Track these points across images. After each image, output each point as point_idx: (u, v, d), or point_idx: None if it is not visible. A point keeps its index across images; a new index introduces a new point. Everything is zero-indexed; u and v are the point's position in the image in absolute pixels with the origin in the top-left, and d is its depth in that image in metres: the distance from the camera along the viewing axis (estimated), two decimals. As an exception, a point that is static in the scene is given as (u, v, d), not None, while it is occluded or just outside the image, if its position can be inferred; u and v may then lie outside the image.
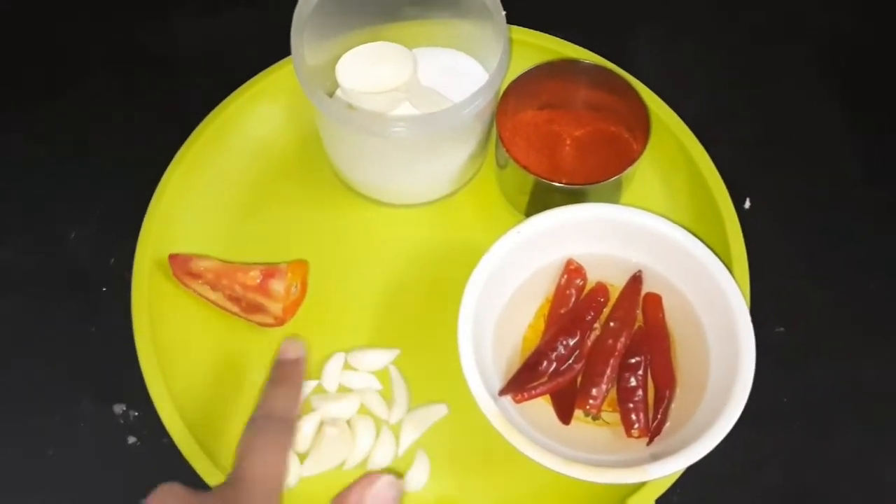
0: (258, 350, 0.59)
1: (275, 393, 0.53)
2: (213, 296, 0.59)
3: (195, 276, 0.59)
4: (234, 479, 0.47)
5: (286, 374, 0.54)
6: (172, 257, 0.60)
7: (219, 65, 0.70)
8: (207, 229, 0.64)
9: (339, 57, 0.62)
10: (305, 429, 0.56)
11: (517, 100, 0.63)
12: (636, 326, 0.58)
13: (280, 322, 0.59)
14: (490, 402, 0.51)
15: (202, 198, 0.64)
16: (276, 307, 0.59)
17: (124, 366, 0.58)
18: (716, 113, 0.69)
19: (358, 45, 0.62)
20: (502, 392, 0.54)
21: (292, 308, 0.60)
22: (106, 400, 0.59)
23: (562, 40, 0.69)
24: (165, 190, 0.63)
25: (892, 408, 0.60)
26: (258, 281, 0.58)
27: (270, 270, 0.58)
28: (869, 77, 0.73)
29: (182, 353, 0.59)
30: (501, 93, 0.61)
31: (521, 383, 0.55)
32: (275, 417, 0.51)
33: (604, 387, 0.56)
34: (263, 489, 0.47)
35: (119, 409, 0.59)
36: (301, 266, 0.61)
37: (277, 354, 0.56)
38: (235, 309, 0.59)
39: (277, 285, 0.58)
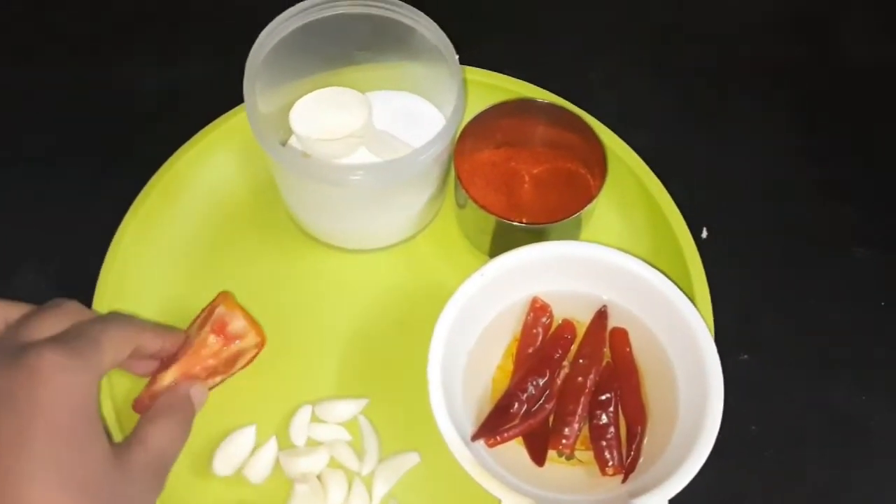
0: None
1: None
2: None
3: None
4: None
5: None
6: (138, 405, 0.55)
7: (176, 114, 0.68)
8: (164, 282, 0.62)
9: (292, 103, 0.61)
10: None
11: (474, 140, 0.63)
12: (604, 362, 0.58)
13: (263, 342, 0.58)
14: (463, 447, 0.51)
15: (158, 250, 0.63)
16: (250, 338, 0.57)
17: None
18: (669, 146, 0.69)
19: (311, 91, 0.61)
20: (475, 437, 0.53)
21: (256, 324, 0.58)
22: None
23: (516, 79, 0.69)
24: (120, 244, 0.62)
25: (859, 430, 0.60)
26: (220, 342, 0.57)
27: (216, 323, 0.57)
28: (819, 104, 0.75)
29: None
30: (458, 134, 0.61)
31: (493, 427, 0.54)
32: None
33: (576, 426, 0.55)
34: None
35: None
36: (224, 294, 0.59)
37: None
38: (218, 379, 0.57)
39: (235, 324, 0.57)
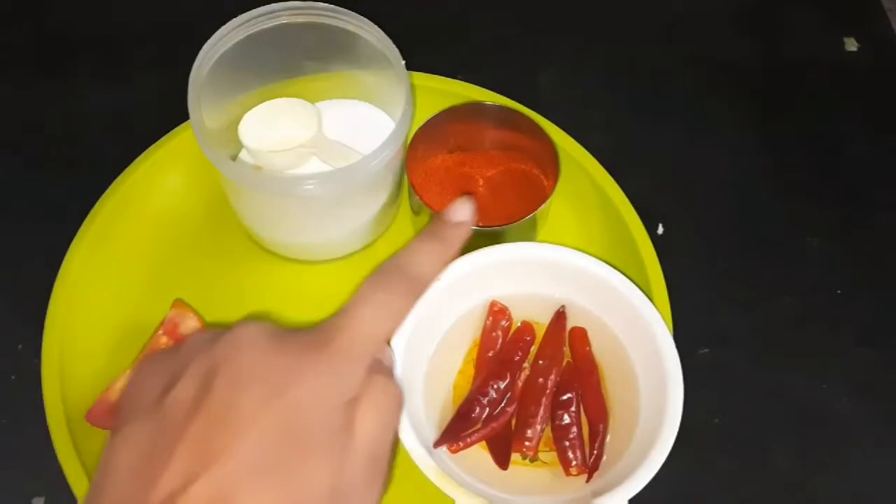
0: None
1: (419, 247, 0.45)
2: None
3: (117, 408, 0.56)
4: (331, 326, 0.40)
5: (442, 234, 0.47)
6: (91, 415, 0.55)
7: (126, 132, 0.67)
8: (118, 300, 0.61)
9: (241, 117, 0.61)
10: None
11: (426, 145, 0.63)
12: (565, 362, 0.58)
13: None
14: (425, 455, 0.50)
15: (111, 268, 0.62)
16: None
17: (43, 455, 0.55)
18: (623, 144, 0.70)
19: (260, 103, 0.61)
20: (437, 443, 0.53)
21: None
22: (25, 493, 0.56)
23: (466, 83, 0.69)
24: (72, 263, 0.61)
25: (820, 418, 0.61)
26: (171, 343, 0.56)
27: (168, 324, 0.56)
28: (769, 98, 0.75)
29: (103, 438, 0.56)
30: (410, 139, 0.61)
31: (455, 433, 0.54)
32: (408, 273, 0.44)
33: (538, 427, 0.55)
34: (361, 349, 0.40)
35: (38, 502, 0.56)
36: (178, 301, 0.59)
37: (444, 213, 0.49)
38: None
39: (187, 324, 0.56)
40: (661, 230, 0.66)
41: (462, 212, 0.49)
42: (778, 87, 0.76)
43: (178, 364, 0.39)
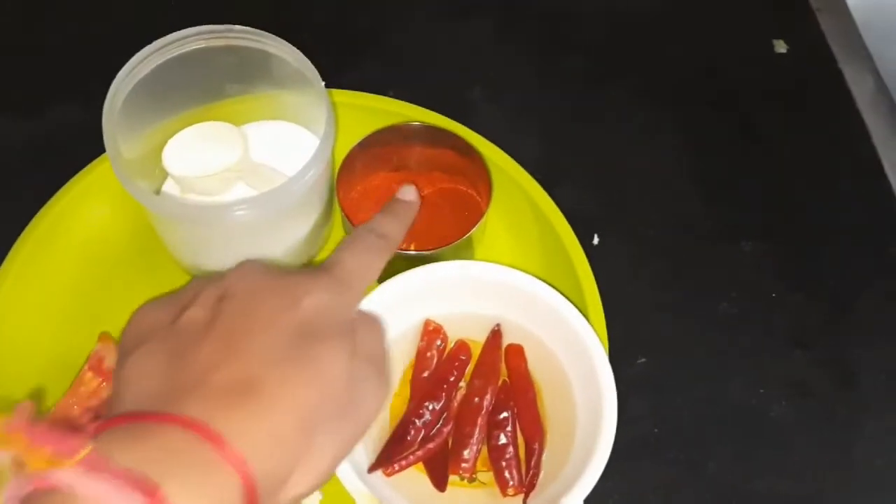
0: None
1: (382, 217, 0.52)
2: None
3: None
4: (328, 266, 0.45)
5: (397, 210, 0.53)
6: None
7: (46, 165, 0.65)
8: (45, 336, 0.60)
9: (164, 144, 0.59)
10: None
11: (356, 167, 0.62)
12: (500, 381, 0.58)
13: None
14: (356, 481, 0.50)
15: (36, 305, 0.60)
16: None
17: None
18: (556, 155, 0.70)
19: (183, 129, 0.60)
20: (371, 468, 0.52)
21: None
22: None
23: (395, 100, 0.68)
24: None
25: (758, 422, 0.61)
26: (98, 380, 0.55)
27: (93, 359, 0.55)
28: (699, 102, 0.75)
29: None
30: (340, 162, 0.61)
31: (390, 456, 0.53)
32: (376, 232, 0.49)
33: (474, 447, 0.55)
34: (358, 281, 0.46)
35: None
36: (104, 334, 0.58)
37: (396, 193, 0.56)
38: None
39: (112, 359, 0.55)
40: (596, 240, 0.66)
41: (410, 192, 0.55)
42: (708, 90, 0.76)
43: (184, 297, 0.42)
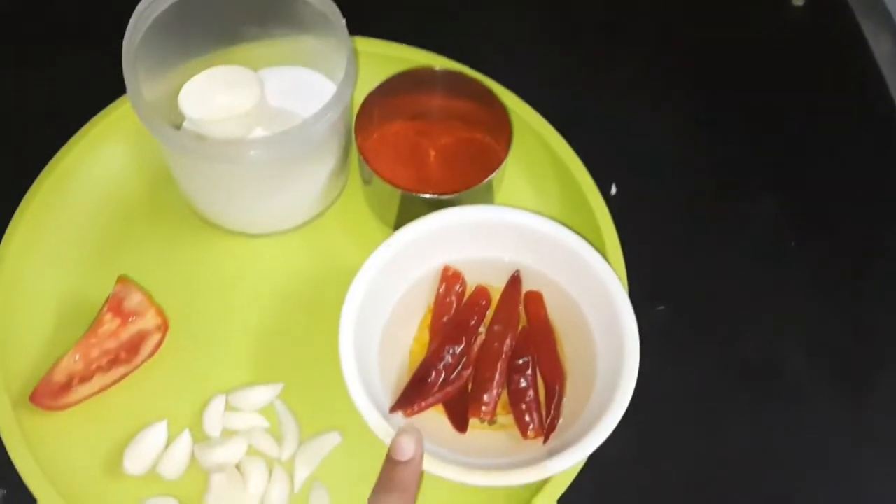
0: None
1: (378, 502, 0.45)
2: (95, 386, 0.54)
3: (66, 388, 0.54)
4: None
5: (395, 481, 0.46)
6: (35, 397, 0.53)
7: (58, 114, 0.65)
8: (61, 278, 0.60)
9: (180, 87, 0.59)
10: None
11: (375, 113, 0.61)
12: (520, 327, 0.57)
13: (165, 326, 0.56)
14: (381, 421, 0.50)
15: (51, 247, 0.61)
16: (150, 317, 0.56)
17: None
18: (574, 107, 0.69)
19: (200, 72, 0.59)
20: (393, 409, 0.52)
21: (157, 306, 0.57)
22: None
23: (415, 48, 0.68)
24: (11, 243, 0.59)
25: (773, 374, 0.61)
26: (117, 320, 0.55)
27: (112, 300, 0.55)
28: (712, 54, 0.75)
29: (46, 420, 0.54)
30: (358, 107, 0.60)
31: (410, 398, 0.53)
32: None
33: (494, 392, 0.55)
34: None
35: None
36: (122, 277, 0.57)
37: (388, 451, 0.47)
38: (122, 370, 0.55)
39: (132, 299, 0.55)
40: (614, 190, 0.66)
41: (407, 448, 0.46)
42: (724, 43, 0.75)
43: None
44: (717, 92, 0.73)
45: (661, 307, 0.62)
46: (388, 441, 0.49)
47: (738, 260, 0.65)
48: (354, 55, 0.56)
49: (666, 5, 0.77)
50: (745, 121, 0.71)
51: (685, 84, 0.73)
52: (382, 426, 0.49)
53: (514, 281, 0.58)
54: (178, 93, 0.59)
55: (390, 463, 0.47)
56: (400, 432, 0.47)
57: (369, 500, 0.45)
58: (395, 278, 0.56)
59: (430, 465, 0.48)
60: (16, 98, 0.69)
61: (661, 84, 0.73)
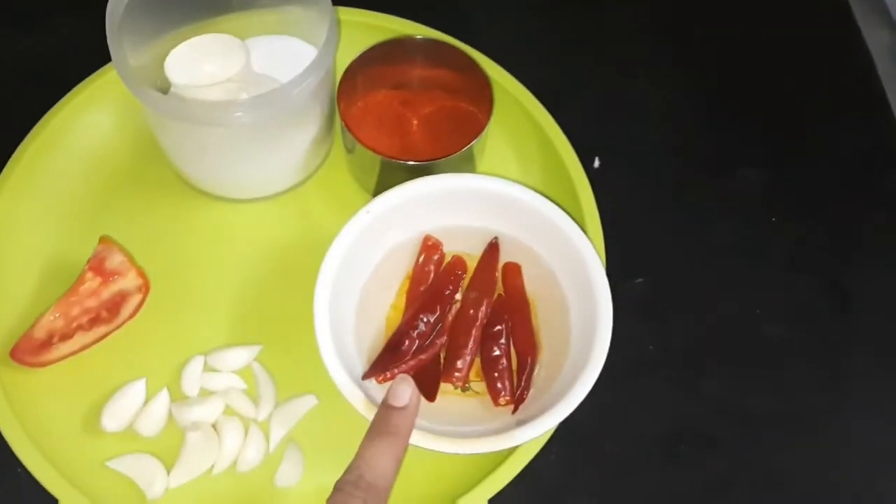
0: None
1: (371, 450, 0.45)
2: (76, 344, 0.56)
3: (47, 345, 0.55)
4: None
5: (389, 425, 0.46)
6: (16, 352, 0.54)
7: (45, 78, 0.66)
8: (45, 240, 0.61)
9: (166, 55, 0.59)
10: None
11: (358, 81, 0.62)
12: (496, 295, 0.58)
13: (146, 286, 0.57)
14: (353, 386, 0.50)
15: (37, 209, 0.61)
16: (131, 277, 0.57)
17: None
18: (558, 78, 0.69)
19: (186, 40, 0.60)
20: (366, 375, 0.53)
21: (142, 271, 0.58)
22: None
23: (400, 19, 0.68)
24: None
25: (752, 345, 0.61)
26: (98, 279, 0.56)
27: (94, 262, 0.56)
28: (704, 39, 0.74)
29: (28, 376, 0.56)
30: (341, 75, 0.60)
31: (384, 365, 0.54)
32: (364, 483, 0.43)
33: (468, 358, 0.55)
34: None
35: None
36: (104, 237, 0.58)
37: (385, 397, 0.48)
38: (103, 329, 0.56)
39: (113, 259, 0.56)
40: (597, 163, 0.66)
41: (403, 394, 0.47)
42: (712, 19, 0.75)
43: None
44: (707, 71, 0.73)
45: (640, 279, 0.62)
46: (358, 407, 0.50)
47: (719, 234, 0.65)
48: (336, 22, 0.56)
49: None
50: (733, 101, 0.71)
51: (675, 63, 0.73)
52: (354, 392, 0.50)
53: (492, 248, 0.58)
54: (163, 60, 0.59)
55: (386, 408, 0.47)
56: (398, 379, 0.48)
57: (363, 443, 0.45)
58: (373, 244, 0.57)
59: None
60: (4, 60, 0.69)
61: (652, 62, 0.73)
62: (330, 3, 0.56)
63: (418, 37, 0.63)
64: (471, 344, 0.56)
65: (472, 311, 0.57)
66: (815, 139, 0.69)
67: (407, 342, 0.55)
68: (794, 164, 0.68)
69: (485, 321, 0.57)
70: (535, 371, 0.56)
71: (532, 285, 0.58)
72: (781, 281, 0.63)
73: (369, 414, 0.49)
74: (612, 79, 0.71)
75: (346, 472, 0.44)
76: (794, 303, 0.63)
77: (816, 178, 0.68)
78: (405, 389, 0.47)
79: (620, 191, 0.64)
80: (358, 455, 0.45)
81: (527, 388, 0.54)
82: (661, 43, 0.74)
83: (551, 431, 0.54)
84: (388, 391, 0.47)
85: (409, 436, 0.47)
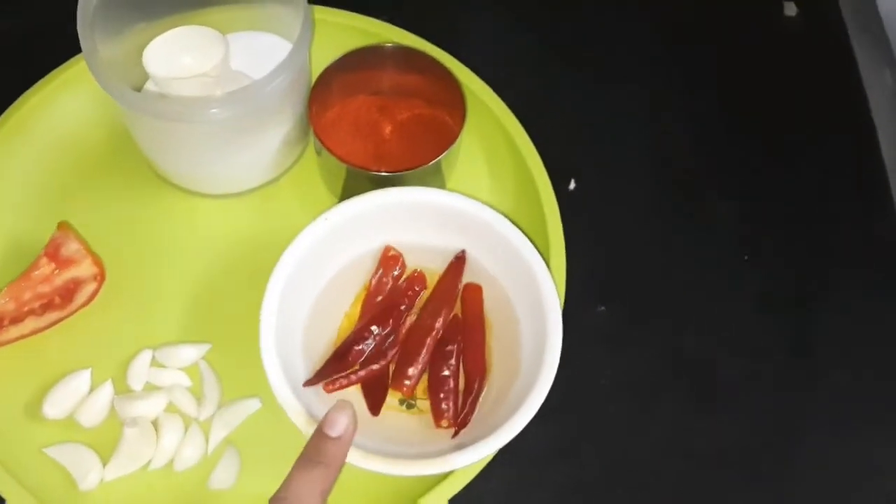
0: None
1: (298, 479, 0.43)
2: (27, 328, 0.56)
3: None
4: None
5: (321, 455, 0.45)
6: None
7: (23, 59, 0.66)
8: (6, 231, 0.61)
9: (145, 45, 0.59)
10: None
11: (338, 85, 0.61)
12: (453, 313, 0.57)
13: (102, 276, 0.57)
14: (289, 394, 0.50)
15: (2, 190, 0.61)
16: (86, 266, 0.57)
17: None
18: (543, 97, 0.69)
19: (162, 32, 0.59)
20: (308, 383, 0.53)
21: (95, 255, 0.58)
22: None
23: (385, 23, 0.67)
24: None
25: (709, 380, 0.60)
26: (52, 265, 0.56)
27: (50, 248, 0.56)
28: (696, 57, 0.73)
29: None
30: (316, 78, 0.60)
31: (328, 373, 0.54)
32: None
33: (419, 367, 0.55)
34: None
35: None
36: (62, 223, 0.58)
37: (321, 423, 0.46)
38: (55, 315, 0.56)
39: (69, 247, 0.56)
40: (573, 185, 0.65)
41: (339, 424, 0.46)
42: (706, 45, 0.73)
43: None
44: (695, 101, 0.71)
45: (602, 308, 0.62)
46: (291, 415, 0.49)
47: (687, 267, 0.64)
48: (311, 20, 0.56)
49: (656, 5, 0.76)
50: (715, 126, 0.70)
51: (660, 85, 0.72)
52: (290, 400, 0.49)
53: (458, 261, 0.57)
54: (138, 51, 0.59)
55: (320, 436, 0.46)
56: (335, 407, 0.46)
57: (292, 469, 0.44)
58: (333, 251, 0.56)
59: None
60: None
61: (641, 84, 0.72)
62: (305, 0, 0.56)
63: (393, 45, 0.63)
64: (424, 353, 0.55)
65: (429, 321, 0.56)
66: (800, 179, 0.68)
67: (353, 353, 0.54)
68: (773, 201, 0.67)
69: (440, 333, 0.56)
70: (483, 394, 0.55)
71: (490, 307, 0.57)
72: (744, 319, 0.62)
73: (301, 422, 0.49)
74: (598, 101, 0.70)
75: (276, 493, 0.43)
76: (754, 343, 0.61)
77: (794, 218, 0.66)
78: (341, 419, 0.46)
79: (592, 216, 0.64)
80: (288, 477, 0.44)
81: (471, 411, 0.54)
82: (658, 66, 0.73)
83: (486, 459, 0.53)
84: (325, 417, 0.46)
85: (340, 467, 0.45)
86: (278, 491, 0.43)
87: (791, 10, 0.74)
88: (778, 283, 0.64)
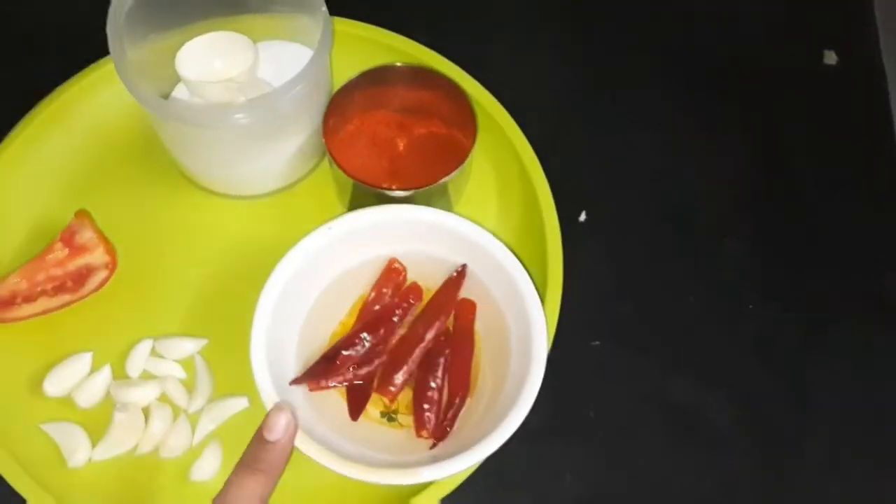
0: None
1: (234, 486, 0.43)
2: (38, 307, 0.59)
3: (9, 303, 0.58)
4: None
5: (258, 461, 0.45)
6: None
7: (65, 50, 0.69)
8: (33, 204, 0.63)
9: (178, 48, 0.61)
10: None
11: (358, 100, 0.63)
12: (446, 326, 0.58)
13: (113, 264, 0.60)
14: (273, 394, 0.51)
15: (33, 174, 0.64)
16: (98, 254, 0.59)
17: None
18: (563, 126, 0.69)
19: (192, 38, 0.62)
20: (294, 382, 0.54)
21: (108, 244, 0.60)
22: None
23: (411, 41, 0.68)
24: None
25: (696, 425, 0.60)
26: (66, 251, 0.58)
27: (65, 234, 0.59)
28: (721, 94, 0.73)
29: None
30: (334, 95, 0.61)
31: (315, 374, 0.55)
32: None
33: (406, 373, 0.56)
34: None
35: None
36: (81, 211, 0.61)
37: (260, 425, 0.47)
38: (67, 297, 0.59)
39: (84, 234, 0.59)
40: (583, 217, 0.65)
41: (277, 427, 0.46)
42: (738, 88, 0.73)
43: None
44: (723, 137, 0.71)
45: (597, 342, 0.62)
46: (269, 407, 0.51)
47: (689, 307, 0.64)
48: (331, 31, 0.58)
49: (682, 36, 0.75)
50: (732, 166, 0.69)
51: (682, 121, 0.71)
52: (273, 400, 0.51)
53: (459, 274, 0.58)
54: (166, 55, 0.61)
55: (258, 441, 0.46)
56: (273, 409, 0.47)
57: (231, 475, 0.44)
58: (334, 260, 0.58)
59: (305, 447, 0.49)
60: (29, 29, 0.73)
61: (656, 120, 0.71)
62: (326, 10, 0.57)
63: (412, 64, 0.64)
64: (411, 362, 0.56)
65: (421, 331, 0.57)
66: (811, 225, 0.67)
67: (342, 357, 0.56)
68: (784, 245, 0.66)
69: (430, 343, 0.57)
70: (469, 409, 0.56)
71: (484, 325, 0.58)
72: (740, 366, 0.62)
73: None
74: (621, 134, 0.70)
75: (216, 497, 0.43)
76: (748, 390, 0.61)
77: (803, 264, 0.65)
78: (279, 422, 0.46)
79: (600, 248, 0.64)
80: (227, 483, 0.44)
81: (450, 424, 0.55)
82: (682, 106, 0.72)
83: (461, 474, 0.54)
84: (264, 420, 0.46)
85: (279, 473, 0.45)
86: (218, 495, 0.43)
87: (831, 59, 0.73)
88: (778, 331, 0.63)
